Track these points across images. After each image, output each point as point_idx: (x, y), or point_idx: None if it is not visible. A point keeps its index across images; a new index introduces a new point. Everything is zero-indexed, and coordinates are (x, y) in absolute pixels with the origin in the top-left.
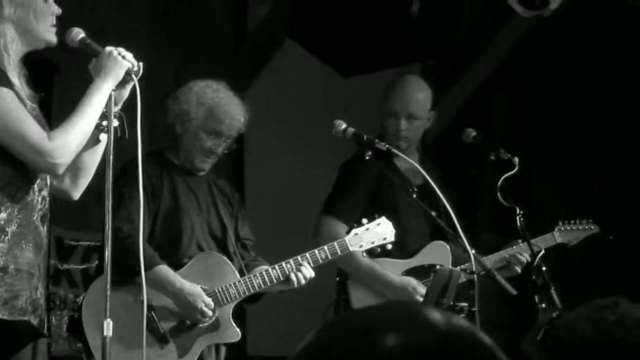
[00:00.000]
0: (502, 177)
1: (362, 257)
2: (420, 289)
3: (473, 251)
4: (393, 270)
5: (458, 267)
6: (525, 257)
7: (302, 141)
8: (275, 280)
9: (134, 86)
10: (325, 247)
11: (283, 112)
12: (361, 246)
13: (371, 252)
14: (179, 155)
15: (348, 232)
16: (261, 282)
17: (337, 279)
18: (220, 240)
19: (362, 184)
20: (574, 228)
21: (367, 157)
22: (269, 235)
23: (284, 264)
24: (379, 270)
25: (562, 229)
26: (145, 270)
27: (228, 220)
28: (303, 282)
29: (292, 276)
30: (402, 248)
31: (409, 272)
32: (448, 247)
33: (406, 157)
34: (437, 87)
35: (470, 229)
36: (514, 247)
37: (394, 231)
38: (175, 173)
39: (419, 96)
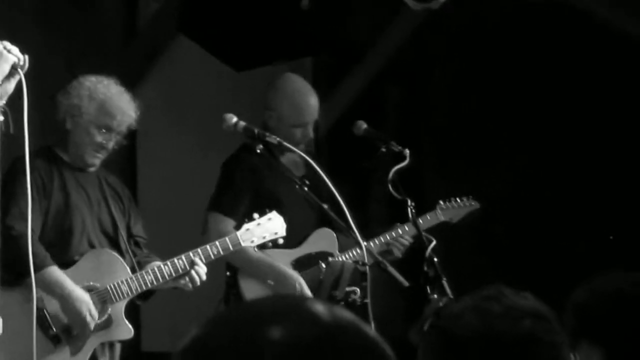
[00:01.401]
0: (393, 170)
1: (252, 250)
2: (304, 286)
3: (365, 243)
4: (282, 260)
5: (349, 259)
6: (407, 240)
7: (196, 137)
8: (167, 277)
9: (20, 80)
10: (217, 243)
11: (176, 108)
12: (252, 241)
13: (263, 247)
14: (68, 150)
15: (237, 228)
16: (153, 279)
17: (227, 273)
18: (112, 236)
19: (245, 180)
20: (455, 205)
21: (258, 151)
22: (163, 232)
23: (175, 260)
24: (270, 261)
25: (444, 207)
26: (37, 271)
27: (119, 216)
28: (198, 279)
29: (193, 273)
30: (289, 239)
31: (297, 261)
32: (334, 233)
33: (300, 152)
34: (329, 81)
35: (363, 222)
36: (395, 230)
37: (285, 225)
38: (65, 169)
39: (317, 100)
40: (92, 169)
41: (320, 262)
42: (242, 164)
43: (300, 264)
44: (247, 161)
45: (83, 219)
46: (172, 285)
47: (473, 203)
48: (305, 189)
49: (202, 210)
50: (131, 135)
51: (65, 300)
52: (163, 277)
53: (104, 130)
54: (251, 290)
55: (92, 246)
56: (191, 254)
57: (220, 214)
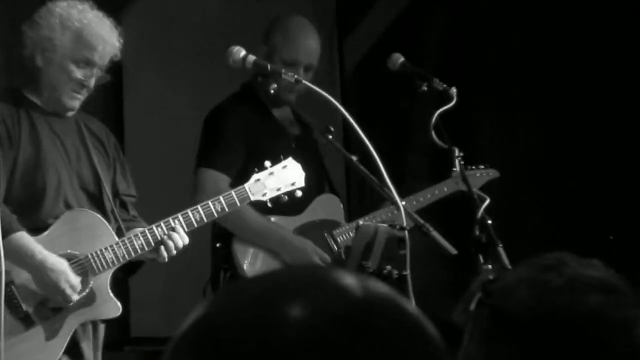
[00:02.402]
0: (437, 112)
1: (253, 211)
2: (318, 249)
3: (403, 202)
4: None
5: (383, 221)
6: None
7: (194, 73)
8: (146, 247)
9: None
10: (221, 198)
11: (170, 38)
12: (264, 194)
13: (276, 202)
14: (41, 92)
15: (233, 187)
16: (144, 243)
17: (217, 245)
18: (94, 194)
19: (237, 132)
20: (472, 174)
21: (272, 91)
22: (154, 188)
23: (154, 228)
24: (275, 226)
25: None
26: (5, 236)
27: (104, 170)
28: (172, 248)
29: (167, 240)
30: (288, 205)
31: (300, 230)
32: (339, 199)
33: (322, 92)
34: (356, 5)
35: (399, 176)
36: (439, 187)
37: (303, 174)
38: (37, 115)
39: (318, 45)
40: (70, 113)
41: (326, 233)
42: (233, 114)
43: (303, 233)
44: (238, 112)
45: (58, 174)
46: (149, 257)
47: (492, 172)
48: (330, 137)
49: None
50: (116, 70)
51: (37, 271)
52: (149, 243)
53: (82, 65)
54: (253, 263)
55: (69, 207)
56: (170, 219)
57: (212, 170)
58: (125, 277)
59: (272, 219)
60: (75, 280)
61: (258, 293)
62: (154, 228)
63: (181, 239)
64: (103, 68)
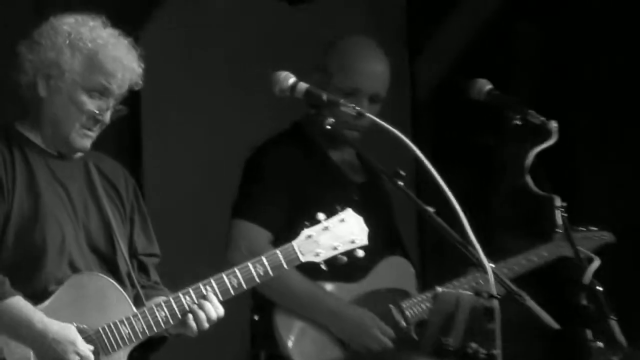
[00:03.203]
0: (533, 152)
1: (299, 276)
2: (380, 322)
3: (492, 264)
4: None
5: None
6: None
7: (227, 103)
8: (171, 320)
9: None
10: (263, 259)
11: (197, 61)
12: (317, 254)
13: (332, 265)
14: (41, 128)
15: (277, 244)
16: (168, 315)
17: (256, 317)
18: (106, 254)
19: (283, 179)
20: (582, 236)
21: (328, 127)
22: (180, 245)
23: (181, 296)
24: (325, 294)
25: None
26: None
27: (118, 223)
28: (204, 321)
29: (198, 311)
30: (347, 269)
31: (359, 301)
32: (409, 263)
33: (389, 127)
34: (426, 20)
35: (484, 230)
36: (539, 251)
37: (365, 229)
38: (35, 156)
39: (386, 71)
40: (79, 155)
41: (392, 305)
42: (277, 156)
43: (363, 305)
44: (283, 153)
45: (62, 230)
46: (174, 332)
47: (606, 235)
48: (400, 183)
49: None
50: (133, 99)
51: (38, 344)
52: (174, 315)
53: (97, 95)
54: (299, 340)
55: (75, 270)
56: (201, 285)
57: (250, 223)
58: (143, 357)
59: (326, 286)
60: (87, 350)
61: None
62: (181, 296)
63: (215, 309)
64: (120, 98)
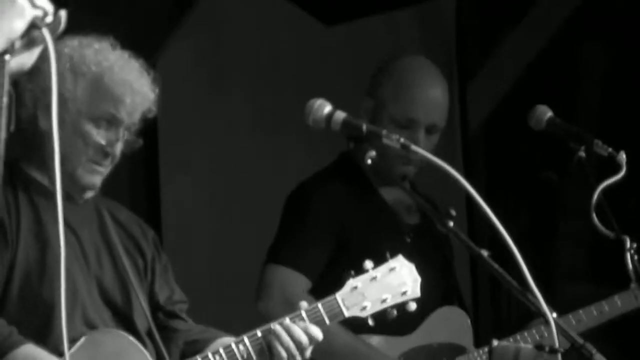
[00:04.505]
0: (600, 187)
1: (344, 331)
2: None
3: (554, 314)
4: (385, 352)
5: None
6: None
7: (254, 136)
8: None
9: (46, 47)
10: (303, 312)
11: (221, 89)
12: (364, 308)
13: (381, 320)
14: (48, 168)
15: (317, 294)
16: None
17: None
18: (121, 309)
19: (324, 219)
20: None
21: (369, 161)
22: (201, 292)
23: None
24: (369, 350)
25: None
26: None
27: (135, 276)
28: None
29: (279, 347)
30: (397, 320)
31: (408, 357)
32: (466, 314)
33: (438, 161)
34: (480, 39)
35: (545, 276)
36: (612, 302)
37: (418, 279)
38: (42, 198)
39: (445, 97)
40: (89, 194)
41: (445, 359)
42: (320, 195)
43: None
44: (329, 192)
45: (73, 282)
46: None
47: None
48: (451, 224)
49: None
50: (149, 130)
51: None
52: None
53: (104, 124)
54: None
55: (90, 326)
56: (233, 345)
57: (286, 268)
58: None
59: (371, 340)
60: None
61: None
62: (211, 356)
63: (311, 332)
64: (132, 128)
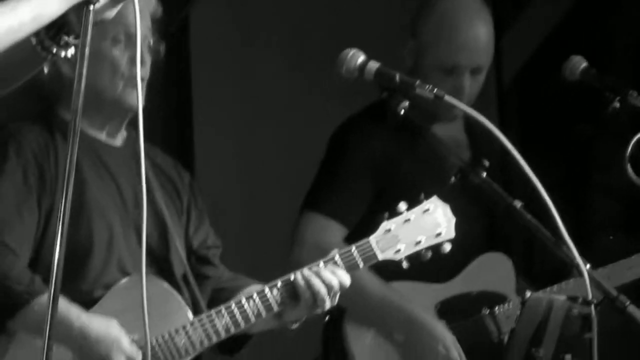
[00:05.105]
0: (634, 139)
1: (374, 279)
2: (449, 341)
3: (588, 266)
4: (421, 300)
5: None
6: None
7: (288, 86)
8: (233, 328)
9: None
10: (337, 256)
11: (255, 39)
12: (398, 251)
13: (415, 262)
14: (84, 110)
15: (351, 240)
16: (252, 314)
17: (327, 317)
18: (160, 255)
19: (368, 165)
20: None
21: (402, 111)
22: (234, 241)
23: (244, 300)
24: (401, 299)
25: None
26: (18, 309)
27: (173, 219)
28: (328, 291)
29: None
30: (434, 267)
31: (446, 305)
32: (510, 261)
33: (472, 111)
34: None
35: (580, 229)
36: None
37: (453, 219)
38: (79, 142)
39: (491, 35)
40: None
41: (485, 308)
42: (365, 138)
43: (450, 310)
44: (372, 134)
45: (110, 227)
46: (268, 327)
47: None
48: (484, 175)
49: (297, 206)
50: (182, 82)
51: (78, 345)
52: (236, 322)
53: (121, 38)
54: (362, 347)
55: (125, 272)
56: (266, 288)
57: (322, 216)
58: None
59: (407, 286)
60: (133, 349)
61: None
62: (244, 301)
63: (338, 277)
64: (151, 38)
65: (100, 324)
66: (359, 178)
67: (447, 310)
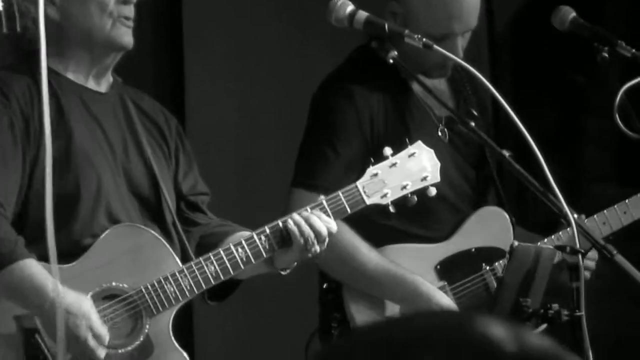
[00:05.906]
0: (623, 88)
1: (373, 253)
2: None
3: (576, 215)
4: (418, 263)
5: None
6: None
7: (278, 36)
8: (222, 275)
9: None
10: (324, 201)
11: None
12: (384, 195)
13: (401, 206)
14: (72, 56)
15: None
16: (240, 261)
17: (325, 285)
18: (149, 202)
19: (358, 128)
20: None
21: (391, 60)
22: (223, 191)
23: (232, 247)
24: (403, 272)
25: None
26: None
27: (161, 165)
28: (314, 244)
29: (295, 229)
30: (431, 225)
31: (446, 265)
32: (507, 215)
33: (463, 63)
34: None
35: (570, 178)
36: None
37: (438, 163)
38: (64, 89)
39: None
40: (105, 89)
41: (485, 264)
42: (348, 99)
43: (450, 270)
44: (354, 93)
45: (98, 175)
46: (257, 272)
47: None
48: (472, 124)
49: (291, 154)
50: (173, 25)
51: (47, 316)
52: (225, 269)
53: None
54: (362, 310)
55: (114, 220)
56: (255, 235)
57: (308, 192)
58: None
59: (407, 248)
60: (101, 327)
61: (391, 338)
62: (232, 247)
63: (324, 223)
64: None
65: (73, 299)
66: (347, 146)
67: (447, 270)
